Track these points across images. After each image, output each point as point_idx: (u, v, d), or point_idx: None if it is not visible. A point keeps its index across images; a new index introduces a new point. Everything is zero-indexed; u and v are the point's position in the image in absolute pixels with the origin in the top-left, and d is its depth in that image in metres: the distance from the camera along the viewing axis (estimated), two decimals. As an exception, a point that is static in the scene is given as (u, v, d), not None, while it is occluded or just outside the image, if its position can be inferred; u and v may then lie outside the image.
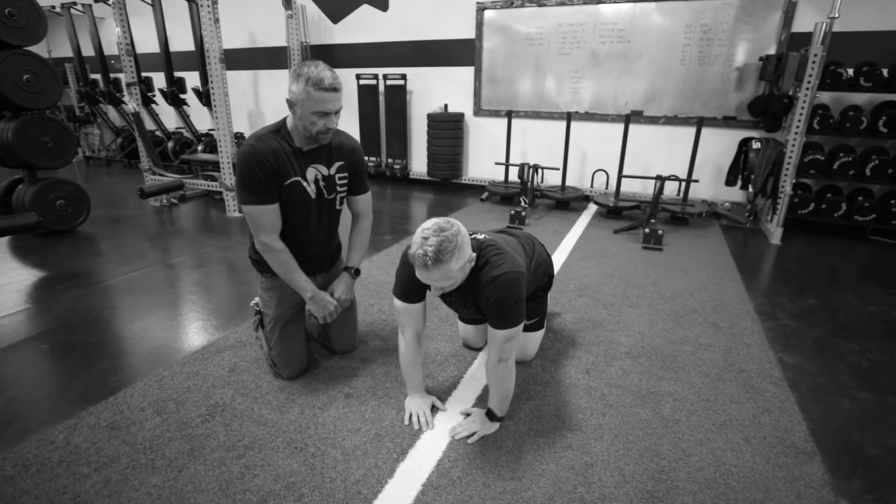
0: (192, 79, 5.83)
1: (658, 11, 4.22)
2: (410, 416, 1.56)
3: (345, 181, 1.72)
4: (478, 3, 4.81)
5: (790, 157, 3.60)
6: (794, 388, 1.81)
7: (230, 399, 1.66)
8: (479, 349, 2.02)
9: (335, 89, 1.46)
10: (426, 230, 1.25)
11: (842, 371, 1.94)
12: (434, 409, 1.62)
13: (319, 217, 1.69)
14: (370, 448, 1.44)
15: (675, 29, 4.19)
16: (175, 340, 2.09)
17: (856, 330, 2.30)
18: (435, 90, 5.27)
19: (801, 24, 3.82)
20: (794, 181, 3.57)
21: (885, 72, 3.45)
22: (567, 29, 4.55)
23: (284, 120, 1.60)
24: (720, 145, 4.27)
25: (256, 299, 2.09)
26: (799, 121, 3.50)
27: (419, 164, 5.60)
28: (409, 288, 1.47)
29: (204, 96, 5.51)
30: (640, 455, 1.44)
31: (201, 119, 6.57)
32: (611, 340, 2.12)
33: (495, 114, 5.10)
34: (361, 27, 5.44)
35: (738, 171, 4.00)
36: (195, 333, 2.15)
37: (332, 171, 1.67)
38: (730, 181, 4.08)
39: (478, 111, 5.17)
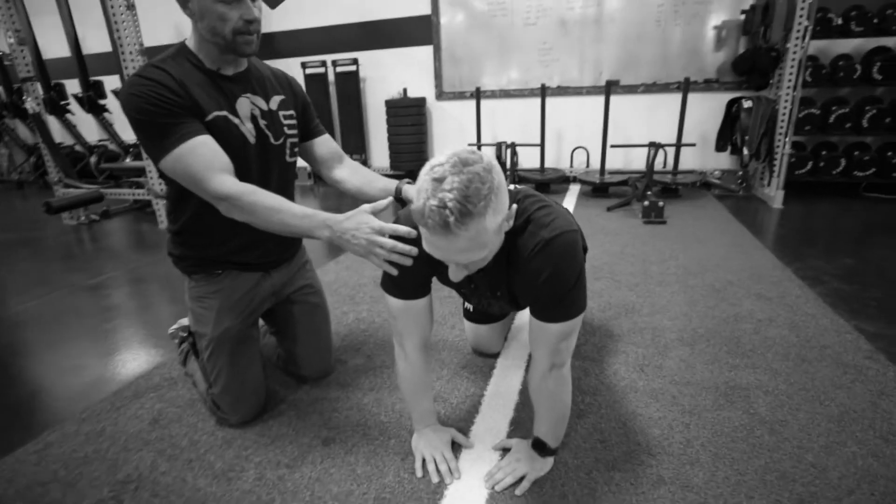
0: (112, 83, 5.10)
1: (627, -29, 3.91)
2: (424, 462, 1.07)
3: (292, 122, 1.22)
4: (431, -25, 4.37)
5: (785, 114, 3.34)
6: (896, 361, 1.44)
7: (150, 467, 1.11)
8: (496, 355, 1.55)
9: None
10: (439, 167, 0.76)
11: (935, 335, 1.60)
12: (455, 446, 1.13)
13: (265, 173, 1.17)
14: (372, 524, 0.94)
15: (647, -12, 3.90)
16: (73, 386, 1.50)
17: (917, 286, 1.99)
18: (391, 74, 4.78)
19: (778, -26, 3.59)
20: (790, 139, 3.31)
21: (872, 16, 3.25)
22: (531, -3, 4.18)
23: (183, 42, 1.09)
24: (703, 111, 3.99)
25: (178, 324, 1.54)
26: (791, 72, 3.25)
27: (380, 156, 5.08)
28: (409, 275, 0.98)
29: (126, 99, 4.80)
30: (760, 480, 1.01)
31: (128, 127, 5.80)
32: (654, 326, 1.70)
33: (460, 96, 4.66)
34: (303, 10, 4.89)
35: (728, 135, 3.73)
36: (104, 373, 1.57)
37: (273, 105, 1.17)
38: (720, 146, 3.80)
39: (440, 94, 4.72)
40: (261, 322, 1.42)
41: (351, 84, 4.78)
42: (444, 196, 0.73)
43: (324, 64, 4.78)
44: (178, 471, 1.09)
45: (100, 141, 5.87)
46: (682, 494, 0.98)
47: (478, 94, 4.25)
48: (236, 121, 1.09)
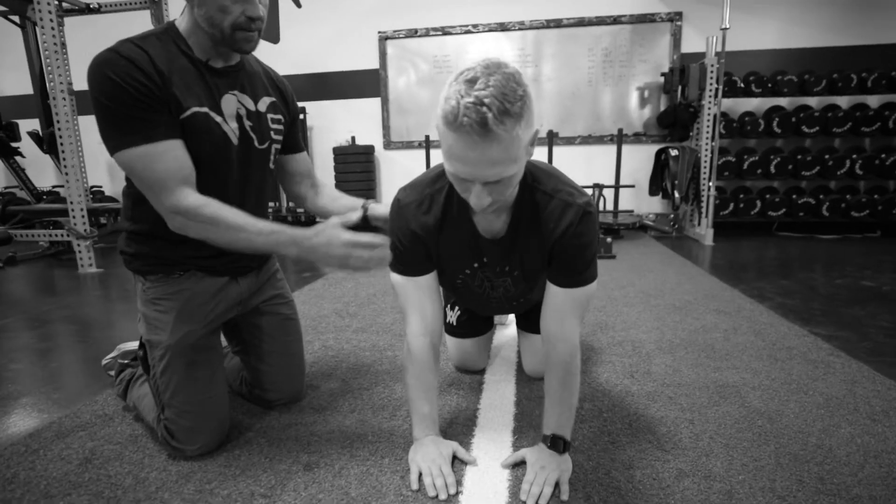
0: (30, 125, 4.70)
1: (560, 36, 4.33)
2: (421, 475, 0.94)
3: (279, 128, 1.13)
4: (379, 32, 4.59)
5: (706, 160, 3.72)
6: (854, 356, 1.53)
7: (84, 512, 0.89)
8: (481, 371, 1.46)
9: None
10: (469, 71, 0.72)
11: (877, 333, 1.73)
12: (456, 461, 1.01)
13: (245, 177, 1.07)
14: (380, 546, 0.79)
15: (578, 52, 4.32)
16: (-25, 434, 1.21)
17: (848, 299, 2.17)
18: (339, 123, 4.82)
19: (688, 46, 4.14)
20: (714, 183, 3.66)
21: (767, 80, 3.79)
22: (475, 56, 4.48)
23: (172, 22, 1.00)
24: (634, 161, 4.36)
25: (116, 351, 1.34)
26: (708, 125, 3.66)
27: (327, 205, 4.99)
28: (407, 252, 0.97)
29: (46, 141, 4.42)
30: (776, 464, 0.98)
31: (43, 173, 5.32)
32: (631, 339, 1.70)
33: (408, 145, 4.77)
34: (249, 61, 4.89)
35: (660, 180, 4.07)
36: (12, 417, 1.29)
37: (262, 107, 1.09)
38: (653, 191, 4.12)
39: (388, 144, 4.81)
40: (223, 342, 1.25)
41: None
42: (479, 94, 0.69)
43: (270, 111, 4.73)
44: (122, 512, 0.88)
45: (6, 188, 5.31)
46: (707, 484, 0.93)
47: (427, 144, 4.36)
48: (218, 119, 0.99)
